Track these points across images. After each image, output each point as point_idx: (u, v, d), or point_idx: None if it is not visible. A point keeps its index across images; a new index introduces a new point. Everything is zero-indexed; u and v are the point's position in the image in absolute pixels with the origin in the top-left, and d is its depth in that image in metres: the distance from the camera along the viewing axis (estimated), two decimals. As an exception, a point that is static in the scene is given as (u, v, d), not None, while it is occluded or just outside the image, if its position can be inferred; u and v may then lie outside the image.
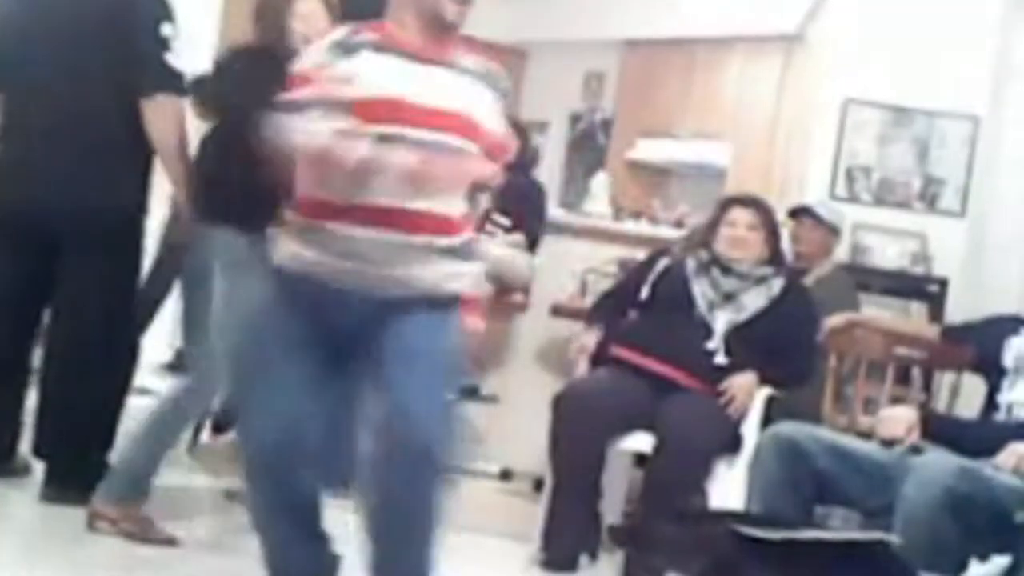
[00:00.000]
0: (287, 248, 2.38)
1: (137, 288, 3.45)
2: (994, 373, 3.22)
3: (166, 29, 3.12)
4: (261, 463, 2.37)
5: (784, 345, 3.54)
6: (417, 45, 2.40)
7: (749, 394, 3.48)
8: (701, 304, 3.57)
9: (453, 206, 2.40)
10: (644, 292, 3.67)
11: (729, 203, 3.76)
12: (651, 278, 3.69)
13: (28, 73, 3.19)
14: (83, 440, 3.18)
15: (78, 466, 3.16)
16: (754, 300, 3.58)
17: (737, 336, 3.53)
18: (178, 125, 3.15)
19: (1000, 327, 3.29)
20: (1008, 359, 3.19)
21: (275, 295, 2.42)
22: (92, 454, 3.18)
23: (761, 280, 3.61)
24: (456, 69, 2.43)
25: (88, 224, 3.14)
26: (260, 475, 2.39)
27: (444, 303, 2.39)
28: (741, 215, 3.66)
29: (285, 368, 2.36)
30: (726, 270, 3.60)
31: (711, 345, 3.52)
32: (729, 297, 3.58)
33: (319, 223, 2.33)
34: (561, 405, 3.43)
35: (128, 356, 3.32)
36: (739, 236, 3.63)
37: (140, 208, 3.26)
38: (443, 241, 2.36)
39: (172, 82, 3.13)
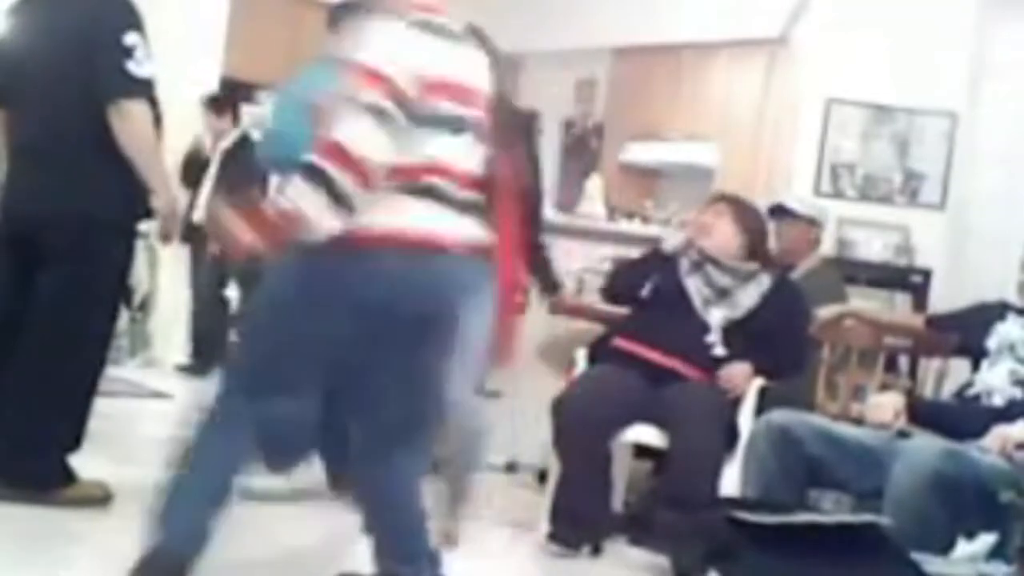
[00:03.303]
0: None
1: (117, 294, 3.38)
2: (977, 356, 3.28)
3: (130, 38, 3.09)
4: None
5: (778, 338, 3.60)
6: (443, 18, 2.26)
7: (746, 380, 3.55)
8: (696, 300, 3.64)
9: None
10: (645, 290, 3.73)
11: (705, 204, 3.87)
12: (651, 275, 3.75)
13: (17, 90, 3.19)
14: (41, 442, 3.13)
15: (34, 468, 3.11)
16: (748, 297, 3.65)
17: (733, 330, 3.61)
18: (145, 131, 3.12)
19: (987, 313, 3.35)
20: (992, 342, 3.26)
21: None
22: (51, 457, 3.14)
23: (750, 276, 3.68)
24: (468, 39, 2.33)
25: (62, 234, 3.11)
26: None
27: None
28: (709, 207, 3.78)
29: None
30: (717, 265, 3.66)
31: (709, 338, 3.60)
32: (724, 293, 3.65)
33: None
34: (562, 409, 3.42)
35: (96, 360, 3.26)
36: (706, 222, 3.71)
37: (121, 217, 3.22)
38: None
39: (134, 88, 3.09)
